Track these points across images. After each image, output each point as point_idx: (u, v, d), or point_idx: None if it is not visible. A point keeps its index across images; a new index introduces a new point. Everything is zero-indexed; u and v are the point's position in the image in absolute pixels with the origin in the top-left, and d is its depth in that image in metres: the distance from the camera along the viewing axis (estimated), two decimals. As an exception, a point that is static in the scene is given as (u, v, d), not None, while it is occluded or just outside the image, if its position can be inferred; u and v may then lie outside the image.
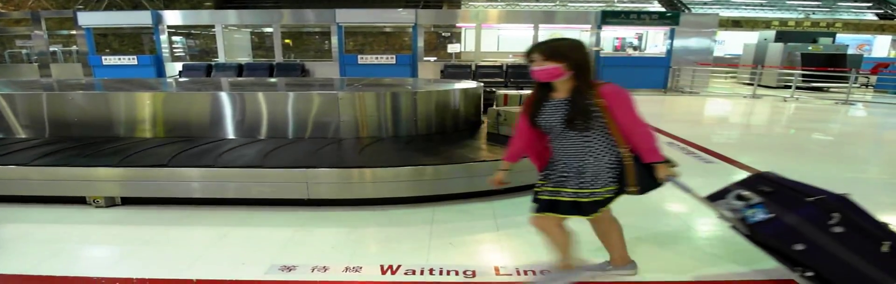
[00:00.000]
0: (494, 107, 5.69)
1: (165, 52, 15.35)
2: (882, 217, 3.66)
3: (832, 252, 2.47)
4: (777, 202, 2.60)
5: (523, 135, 2.75)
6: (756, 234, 2.64)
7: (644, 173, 2.59)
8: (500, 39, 22.37)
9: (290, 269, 3.06)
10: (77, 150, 4.60)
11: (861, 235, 2.48)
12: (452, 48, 17.01)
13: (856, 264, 2.46)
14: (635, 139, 2.54)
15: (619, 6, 25.63)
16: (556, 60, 2.46)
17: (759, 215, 2.58)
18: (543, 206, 2.68)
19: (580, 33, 15.66)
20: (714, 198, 2.84)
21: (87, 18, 15.07)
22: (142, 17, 15.12)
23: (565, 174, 2.61)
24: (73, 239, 3.60)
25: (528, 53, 2.53)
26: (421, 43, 15.11)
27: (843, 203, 2.53)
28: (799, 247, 2.49)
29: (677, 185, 2.64)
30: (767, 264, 3.15)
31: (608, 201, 2.64)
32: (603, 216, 2.76)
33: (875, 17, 26.38)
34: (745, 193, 2.72)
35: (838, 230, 2.45)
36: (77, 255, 3.37)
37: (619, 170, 2.59)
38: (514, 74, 14.67)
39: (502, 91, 6.18)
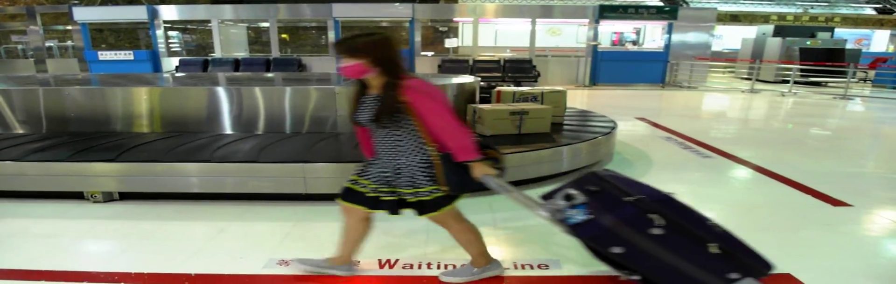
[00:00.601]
0: (472, 104, 5.61)
1: (162, 47, 15.31)
2: (881, 212, 3.68)
3: (653, 254, 2.34)
4: (598, 202, 2.44)
5: (359, 131, 2.74)
6: (576, 236, 2.48)
7: (460, 173, 2.50)
8: (497, 33, 22.30)
9: (288, 263, 3.06)
10: (74, 145, 4.58)
11: (684, 237, 2.35)
12: (450, 43, 16.98)
13: (681, 267, 2.35)
14: (444, 137, 2.45)
15: (617, 0, 25.61)
16: (358, 57, 2.41)
17: (579, 216, 2.41)
18: (350, 196, 2.68)
19: (578, 28, 15.63)
20: (547, 197, 2.66)
21: (83, 13, 15.03)
22: (137, 12, 15.07)
23: (385, 172, 2.59)
24: (72, 234, 3.60)
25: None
26: (418, 38, 15.09)
27: (663, 204, 2.38)
28: (617, 250, 2.35)
29: (491, 185, 2.50)
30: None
31: (440, 201, 2.57)
32: (443, 217, 2.67)
33: (874, 12, 26.35)
34: (573, 192, 2.53)
35: (657, 232, 2.31)
36: (75, 250, 3.36)
37: (434, 169, 2.53)
38: (512, 68, 14.68)
39: (501, 88, 6.11)
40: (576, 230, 2.39)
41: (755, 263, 2.43)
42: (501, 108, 5.17)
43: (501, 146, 4.40)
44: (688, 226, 2.36)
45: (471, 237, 2.80)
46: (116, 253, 3.30)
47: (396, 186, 2.58)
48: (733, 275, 2.36)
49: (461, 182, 2.52)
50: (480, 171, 2.47)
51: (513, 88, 5.98)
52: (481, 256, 2.86)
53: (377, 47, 2.44)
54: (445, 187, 2.53)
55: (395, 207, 2.64)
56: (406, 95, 2.41)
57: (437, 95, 2.49)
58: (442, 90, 2.51)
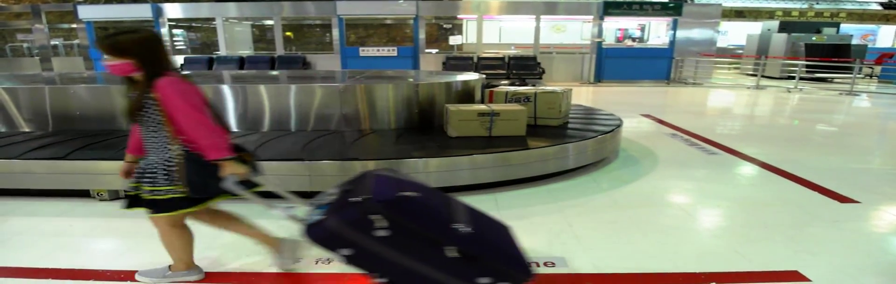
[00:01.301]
0: (448, 104, 5.32)
1: (166, 45, 15.30)
2: (888, 208, 3.66)
3: (384, 257, 2.22)
4: (336, 202, 2.33)
5: (132, 129, 2.69)
6: (307, 238, 2.31)
7: (203, 175, 2.46)
8: (502, 30, 22.28)
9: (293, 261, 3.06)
10: (80, 143, 4.60)
11: (414, 239, 2.22)
12: (454, 40, 16.96)
13: (420, 270, 2.24)
14: (194, 136, 2.42)
15: (622, -3, 25.52)
16: (121, 56, 2.38)
17: (316, 217, 2.28)
18: (131, 202, 2.64)
19: (582, 24, 15.58)
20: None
21: (88, 12, 15.05)
22: (142, 11, 15.09)
23: (140, 169, 2.56)
24: (78, 232, 3.61)
25: None
26: (422, 35, 15.07)
27: (391, 205, 2.19)
28: (345, 252, 2.22)
29: (227, 185, 2.45)
30: (770, 255, 3.16)
31: (177, 202, 2.54)
32: (161, 220, 2.66)
33: (879, 7, 26.24)
34: (332, 191, 2.46)
35: (382, 234, 2.18)
36: (82, 248, 3.37)
37: (177, 169, 2.49)
38: (517, 65, 14.66)
39: (500, 88, 5.93)
40: (306, 231, 2.27)
41: (510, 269, 2.31)
42: (469, 108, 4.91)
43: (465, 149, 4.41)
44: (417, 228, 2.21)
45: (177, 243, 2.77)
46: (123, 251, 3.30)
47: (140, 182, 2.55)
48: (483, 280, 2.25)
49: (203, 184, 2.49)
50: (229, 169, 2.44)
51: (506, 88, 5.81)
52: (181, 261, 2.84)
53: (143, 46, 2.42)
54: (184, 188, 2.48)
55: (130, 202, 2.62)
56: (156, 92, 2.38)
57: (187, 92, 2.43)
58: (198, 88, 2.47)
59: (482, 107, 4.94)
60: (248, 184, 2.55)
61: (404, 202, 2.21)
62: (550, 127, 5.41)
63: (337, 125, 5.28)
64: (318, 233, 2.24)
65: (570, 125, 5.54)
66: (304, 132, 5.14)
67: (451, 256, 2.21)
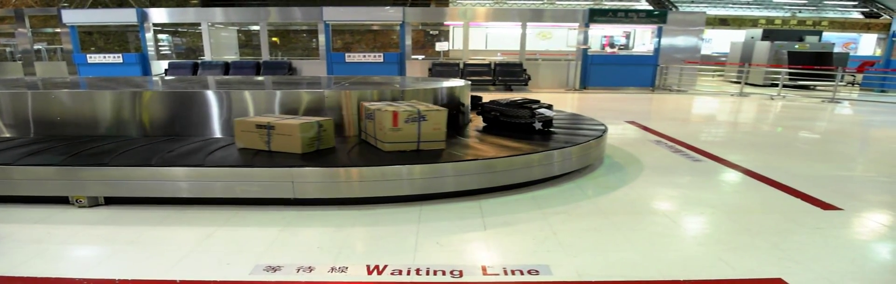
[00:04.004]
0: (367, 103, 4.90)
1: (151, 50, 15.24)
2: (871, 215, 3.69)
3: None
4: None
5: None
6: None
7: None
8: (488, 37, 22.36)
9: (275, 269, 3.03)
10: (61, 149, 4.54)
11: None
12: (440, 46, 17.00)
13: None
14: None
15: (607, 4, 25.69)
16: None
17: None
18: None
19: (568, 31, 15.65)
20: None
21: (72, 16, 14.95)
22: (127, 15, 15.01)
23: None
24: (56, 240, 3.55)
25: None
26: (409, 41, 15.08)
27: None
28: None
29: None
30: (754, 262, 3.15)
31: None
32: None
33: (861, 16, 26.59)
34: None
35: None
36: (60, 255, 3.31)
37: None
38: (502, 72, 14.71)
39: (373, 104, 4.87)
40: None
41: None
42: (251, 119, 4.57)
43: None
44: None
45: None
46: (102, 259, 3.25)
47: None
48: None
49: None
50: None
51: (378, 104, 4.78)
52: None
53: None
54: None
55: None
56: None
57: None
58: None
59: (262, 119, 4.54)
60: None
61: None
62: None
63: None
64: None
65: (556, 131, 5.53)
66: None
67: None
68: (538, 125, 5.47)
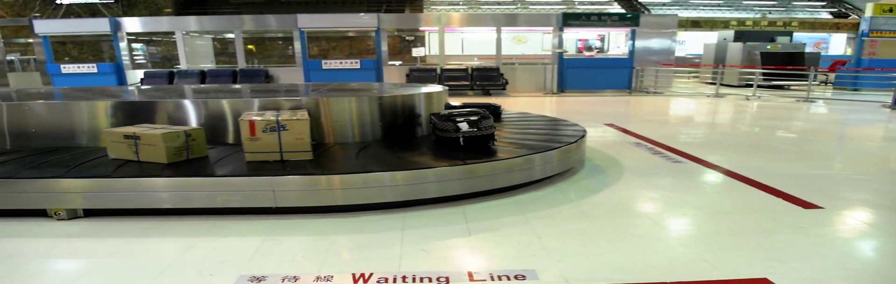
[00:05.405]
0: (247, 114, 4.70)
1: (126, 59, 15.09)
2: (852, 213, 3.73)
3: None
4: None
5: None
6: None
7: None
8: (464, 42, 22.41)
9: (259, 279, 2.99)
10: (37, 160, 4.46)
11: None
12: (417, 52, 17.01)
13: None
14: None
15: (580, 8, 25.87)
16: None
17: None
18: None
19: (543, 35, 15.73)
20: None
21: (44, 26, 14.78)
22: (100, 25, 14.87)
23: None
24: (34, 253, 3.48)
25: None
26: (385, 47, 15.08)
27: None
28: None
29: None
30: (739, 263, 3.17)
31: None
32: None
33: (830, 16, 27.01)
34: None
35: None
36: (39, 269, 3.25)
37: None
38: (480, 77, 14.74)
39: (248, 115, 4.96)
40: None
41: None
42: (118, 130, 4.54)
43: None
44: None
45: None
46: (82, 272, 3.19)
47: None
48: None
49: None
50: None
51: (260, 116, 4.51)
52: None
53: None
54: None
55: None
56: None
57: None
58: None
59: (128, 129, 4.52)
60: None
61: None
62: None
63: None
64: None
65: (535, 135, 5.53)
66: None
67: None
68: (461, 141, 4.89)
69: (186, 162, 4.44)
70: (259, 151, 4.40)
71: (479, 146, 4.90)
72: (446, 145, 4.96)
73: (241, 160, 4.45)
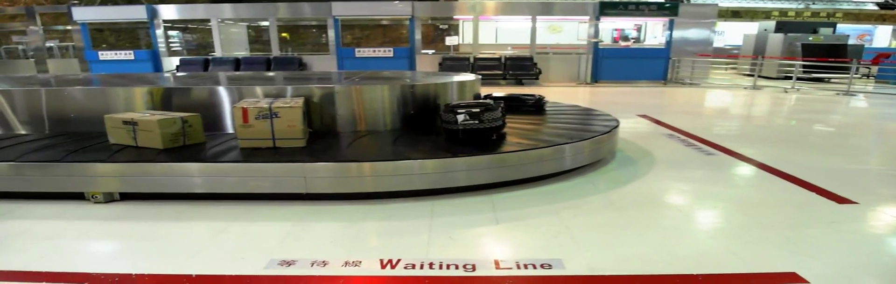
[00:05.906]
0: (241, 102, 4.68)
1: (162, 46, 15.31)
2: (886, 209, 3.67)
3: None
4: None
5: None
6: None
7: None
8: (498, 31, 22.29)
9: (289, 264, 3.04)
10: (76, 145, 4.57)
11: None
12: (450, 41, 16.97)
13: None
14: None
15: (618, -3, 25.53)
16: None
17: None
18: None
19: (579, 25, 15.58)
20: None
21: (82, 13, 15.03)
22: (137, 12, 15.07)
23: None
24: (72, 235, 3.58)
25: None
26: (418, 35, 15.07)
27: None
28: None
29: None
30: (768, 257, 3.14)
31: None
32: None
33: (875, 7, 26.31)
34: None
35: None
36: (76, 251, 3.34)
37: None
38: (513, 66, 14.67)
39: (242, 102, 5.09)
40: None
41: None
42: (118, 116, 4.67)
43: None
44: None
45: None
46: (117, 254, 3.28)
47: None
48: None
49: None
50: None
51: (256, 104, 4.56)
52: None
53: None
54: None
55: None
56: None
57: None
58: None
59: (127, 116, 4.64)
60: None
61: None
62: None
63: (331, 126, 5.25)
64: None
65: (567, 126, 5.51)
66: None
67: None
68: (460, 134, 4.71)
69: (183, 148, 4.53)
70: (252, 138, 4.46)
71: (479, 140, 4.70)
72: (450, 137, 4.80)
73: (236, 147, 4.53)
